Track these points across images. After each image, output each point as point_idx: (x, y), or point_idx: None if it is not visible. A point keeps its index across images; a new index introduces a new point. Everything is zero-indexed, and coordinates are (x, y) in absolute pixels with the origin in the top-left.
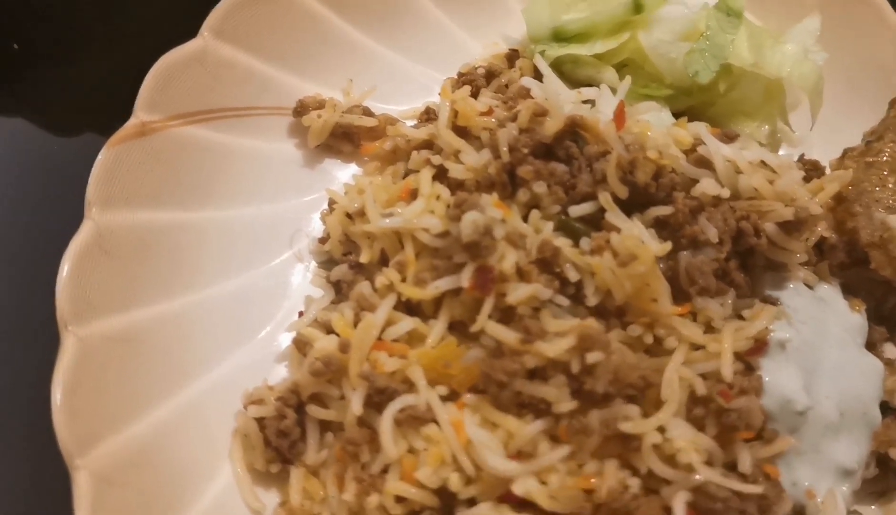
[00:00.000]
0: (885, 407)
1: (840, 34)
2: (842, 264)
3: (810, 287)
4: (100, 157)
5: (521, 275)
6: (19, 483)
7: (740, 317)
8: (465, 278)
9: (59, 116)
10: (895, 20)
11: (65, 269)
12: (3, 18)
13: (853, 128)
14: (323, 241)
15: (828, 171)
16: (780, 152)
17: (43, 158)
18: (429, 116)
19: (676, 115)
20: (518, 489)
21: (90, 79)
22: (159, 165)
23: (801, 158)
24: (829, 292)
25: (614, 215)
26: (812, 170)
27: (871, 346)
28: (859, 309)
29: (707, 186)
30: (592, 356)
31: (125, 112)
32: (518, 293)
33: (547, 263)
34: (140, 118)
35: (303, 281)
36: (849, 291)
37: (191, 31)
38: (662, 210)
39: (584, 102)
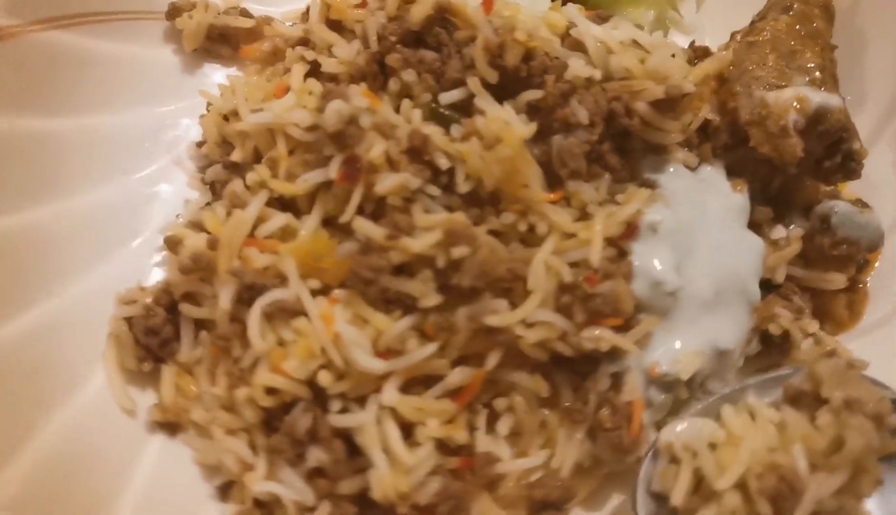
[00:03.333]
0: (768, 285)
1: None
2: (725, 146)
3: (692, 169)
4: None
5: (393, 166)
6: None
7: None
8: (333, 170)
9: None
10: None
11: None
12: None
13: (746, 12)
14: (200, 145)
15: None
16: (670, 39)
17: None
18: (308, 15)
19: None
20: (385, 399)
21: None
22: (21, 70)
23: (691, 45)
24: (712, 173)
25: (483, 100)
26: (702, 56)
27: (757, 226)
28: (741, 189)
29: (577, 68)
30: (458, 251)
31: None
32: (386, 183)
33: (417, 152)
34: None
35: (182, 186)
36: (734, 172)
37: None
38: (533, 94)
39: None
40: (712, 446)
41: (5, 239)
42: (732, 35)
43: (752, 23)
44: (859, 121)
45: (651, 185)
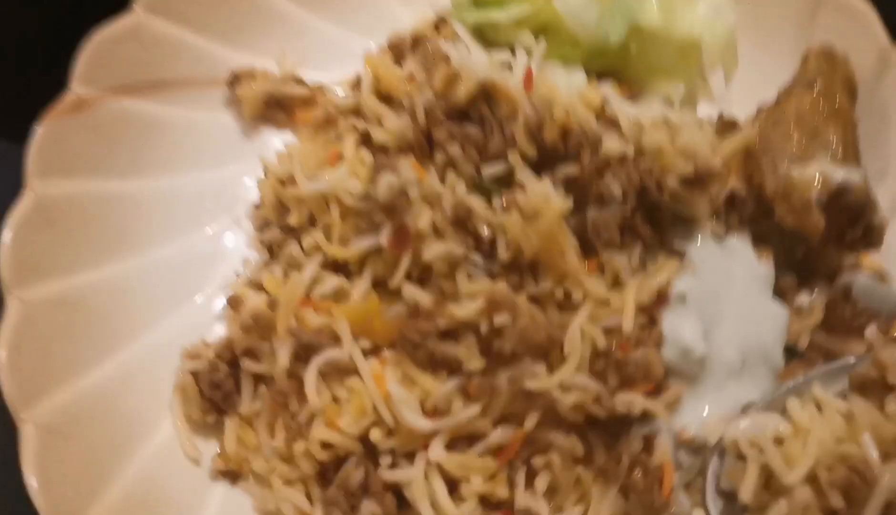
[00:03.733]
0: (792, 351)
1: None
2: (751, 216)
3: (719, 239)
4: (37, 131)
5: (438, 234)
6: None
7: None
8: (383, 237)
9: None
10: None
11: (7, 236)
12: None
13: (772, 85)
14: (258, 206)
15: None
16: (699, 110)
17: None
18: (359, 84)
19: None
20: (432, 455)
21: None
22: (97, 137)
23: (719, 116)
24: (738, 243)
25: (524, 174)
26: (729, 127)
27: (782, 293)
28: (766, 259)
29: (611, 145)
30: (500, 318)
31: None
32: (433, 250)
33: (461, 221)
34: (75, 92)
35: (241, 245)
36: (759, 242)
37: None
38: (570, 169)
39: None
40: (779, 440)
41: (83, 294)
42: (759, 109)
43: (778, 98)
44: (881, 191)
45: (680, 254)
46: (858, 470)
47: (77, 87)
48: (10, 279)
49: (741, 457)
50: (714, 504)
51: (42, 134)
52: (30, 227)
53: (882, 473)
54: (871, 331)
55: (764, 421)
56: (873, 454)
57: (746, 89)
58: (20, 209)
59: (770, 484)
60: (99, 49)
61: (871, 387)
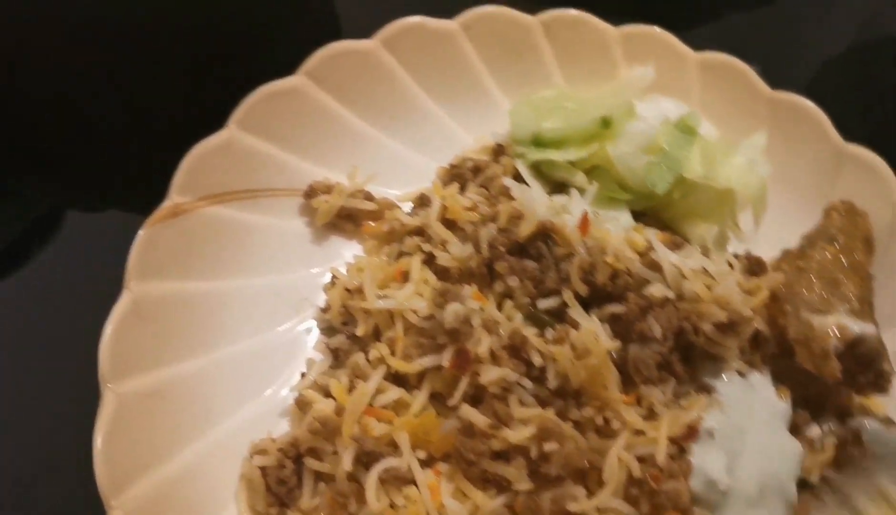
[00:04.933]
0: (804, 484)
1: (787, 146)
2: (772, 355)
3: (743, 376)
4: (139, 235)
5: (494, 358)
6: None
7: (679, 403)
8: (445, 358)
9: (94, 208)
10: (835, 135)
11: (106, 333)
12: (46, 115)
13: (797, 229)
14: (325, 310)
15: (769, 268)
16: (728, 249)
17: (83, 237)
18: (422, 201)
19: (636, 214)
20: None
21: (126, 173)
22: (188, 241)
23: (746, 254)
24: (760, 380)
25: (575, 311)
26: (755, 266)
27: (796, 428)
28: (785, 396)
29: (656, 290)
30: (549, 446)
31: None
32: (490, 375)
33: (516, 348)
34: (174, 200)
35: (306, 345)
36: (777, 378)
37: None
38: (616, 308)
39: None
40: None
41: (168, 387)
42: (784, 252)
43: (802, 246)
44: (888, 336)
45: (708, 390)
46: None
47: (175, 195)
48: (107, 373)
49: None
50: None
51: (142, 238)
52: (126, 324)
53: None
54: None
55: None
56: None
57: (771, 231)
58: (119, 308)
59: None
60: (196, 161)
61: None
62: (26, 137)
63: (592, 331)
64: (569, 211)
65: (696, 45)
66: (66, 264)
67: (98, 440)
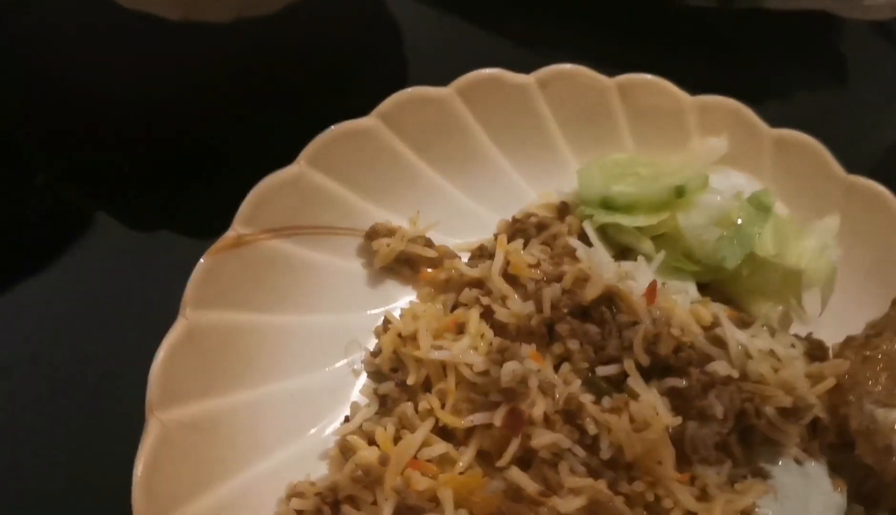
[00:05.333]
0: None
1: (858, 231)
2: (831, 445)
3: (800, 464)
4: (200, 263)
5: (547, 422)
6: None
7: (733, 485)
8: (497, 417)
9: (158, 232)
10: None
11: (158, 359)
12: (117, 145)
13: (860, 315)
14: (375, 355)
15: (830, 353)
16: (791, 329)
17: (143, 265)
18: (481, 252)
19: (700, 286)
20: None
21: (194, 200)
22: (248, 272)
23: (808, 337)
24: (816, 469)
25: (635, 381)
26: (817, 349)
27: None
28: (841, 490)
29: (720, 367)
30: None
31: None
32: (542, 439)
33: (571, 414)
34: (236, 231)
35: (352, 387)
36: (834, 469)
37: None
38: (677, 382)
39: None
40: None
41: (214, 419)
42: (847, 339)
43: (868, 336)
44: None
45: (764, 475)
46: None
47: (238, 226)
48: (154, 399)
49: None
50: None
51: (202, 267)
52: (178, 351)
53: None
54: None
55: None
56: None
57: (835, 315)
58: (173, 334)
59: None
60: (263, 194)
61: None
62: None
63: (653, 404)
64: (634, 278)
65: (763, 120)
66: (121, 285)
67: (139, 468)
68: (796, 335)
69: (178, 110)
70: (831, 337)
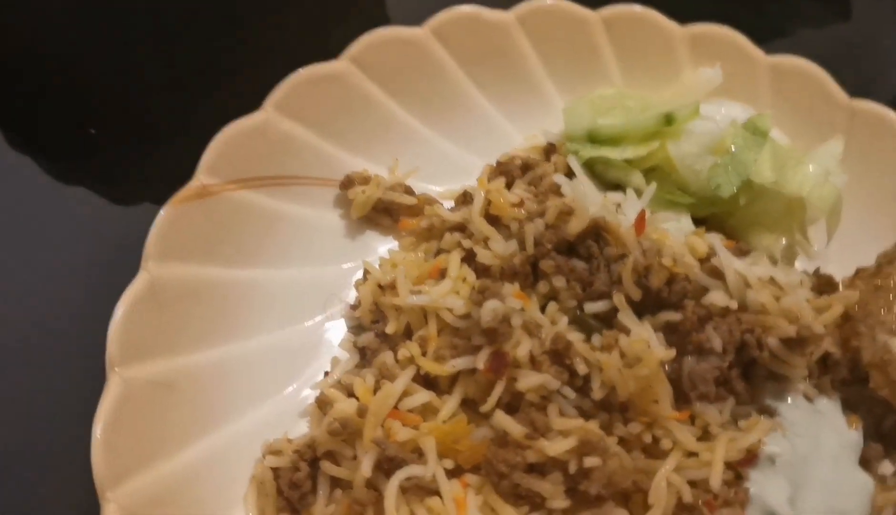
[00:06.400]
0: None
1: (865, 157)
2: (844, 380)
3: (810, 400)
4: (161, 214)
5: (534, 363)
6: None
7: (738, 425)
8: (480, 361)
9: (127, 191)
10: None
11: (118, 314)
12: (82, 107)
13: (870, 247)
14: (354, 307)
15: (840, 288)
16: (797, 265)
17: (109, 226)
18: (465, 199)
19: (697, 221)
20: None
21: (160, 159)
22: (214, 224)
23: (816, 272)
24: (829, 406)
25: (626, 316)
26: (825, 285)
27: (866, 462)
28: (856, 426)
29: (716, 298)
30: (590, 461)
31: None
32: (528, 381)
33: (559, 354)
34: (200, 181)
35: (332, 342)
36: (848, 407)
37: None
38: (672, 316)
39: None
40: None
41: (181, 377)
42: (857, 271)
43: (879, 265)
44: None
45: (771, 412)
46: None
47: (202, 176)
48: (114, 355)
49: None
50: None
51: (164, 218)
52: (140, 307)
53: None
54: None
55: None
56: None
57: (844, 248)
58: (133, 289)
59: None
60: (228, 142)
61: None
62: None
63: (644, 338)
64: (623, 211)
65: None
66: (83, 243)
67: (98, 427)
68: (804, 272)
69: (141, 57)
70: (841, 273)
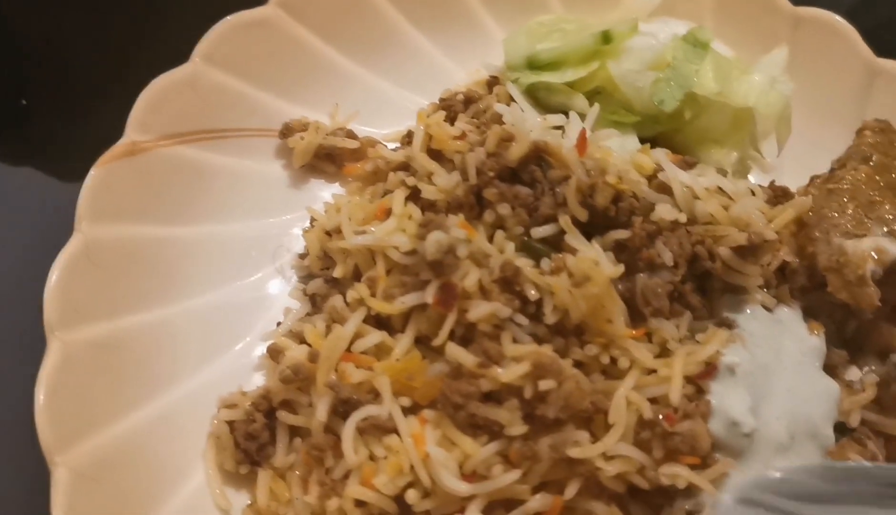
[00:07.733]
0: (842, 428)
1: (812, 64)
2: (803, 288)
3: (769, 310)
4: (90, 174)
5: (484, 293)
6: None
7: (696, 339)
8: (429, 295)
9: (62, 157)
10: (865, 50)
11: (53, 277)
12: (12, 77)
13: (825, 155)
14: (303, 256)
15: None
16: (751, 178)
17: (48, 194)
18: (410, 139)
19: (645, 141)
20: None
21: (94, 127)
22: (148, 182)
23: (771, 184)
24: (789, 314)
25: (573, 238)
26: (781, 196)
27: (832, 368)
28: (818, 332)
29: (664, 211)
30: (545, 384)
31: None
32: (479, 311)
33: (508, 282)
34: (130, 138)
35: (283, 294)
36: (810, 314)
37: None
38: (621, 234)
39: (557, 128)
40: None
41: (124, 338)
42: (812, 179)
43: (832, 170)
44: None
45: (730, 325)
46: None
47: (132, 132)
48: (53, 320)
49: None
50: None
51: (95, 177)
52: (76, 269)
53: None
54: None
55: None
56: None
57: (798, 160)
58: (68, 251)
59: None
60: (156, 96)
61: None
62: None
63: (591, 257)
64: (566, 135)
65: None
66: (20, 213)
67: (41, 391)
68: (759, 186)
69: (70, 23)
70: (796, 184)
